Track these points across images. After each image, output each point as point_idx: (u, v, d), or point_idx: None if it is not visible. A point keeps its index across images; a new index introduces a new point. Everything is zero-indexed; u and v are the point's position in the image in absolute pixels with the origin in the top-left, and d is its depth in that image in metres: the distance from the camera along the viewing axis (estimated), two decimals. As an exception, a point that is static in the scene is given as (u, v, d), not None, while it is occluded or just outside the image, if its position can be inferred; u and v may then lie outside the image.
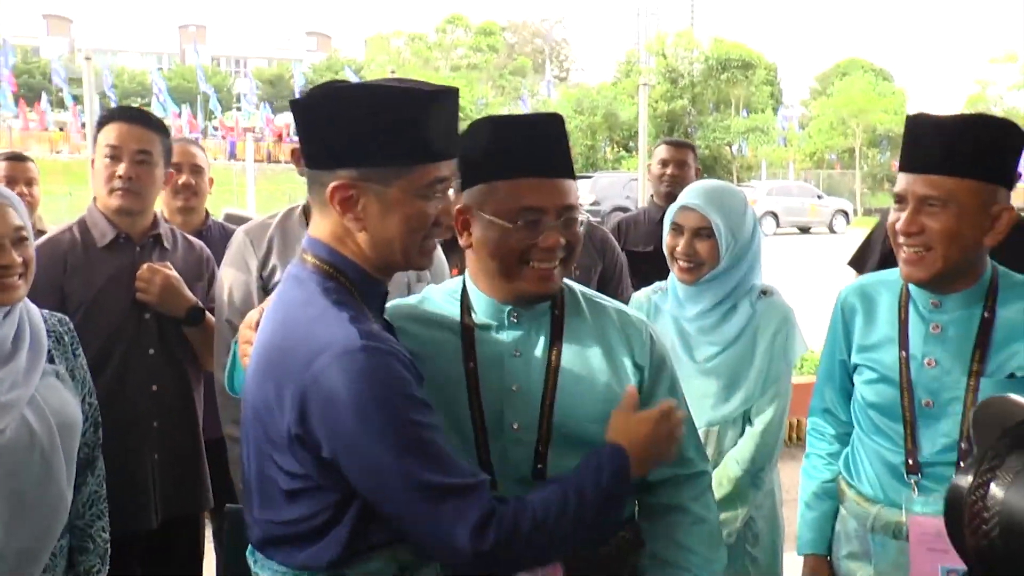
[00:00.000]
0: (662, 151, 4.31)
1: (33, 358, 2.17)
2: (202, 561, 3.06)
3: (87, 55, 7.35)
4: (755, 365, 2.60)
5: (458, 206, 1.84)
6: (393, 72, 10.40)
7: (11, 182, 3.85)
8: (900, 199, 2.08)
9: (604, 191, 24.33)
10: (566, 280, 1.95)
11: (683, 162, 4.26)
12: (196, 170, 3.60)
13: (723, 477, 2.59)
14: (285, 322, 1.57)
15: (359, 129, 1.57)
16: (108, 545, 2.33)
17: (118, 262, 2.77)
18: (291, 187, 30.51)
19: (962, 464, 2.06)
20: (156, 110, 46.30)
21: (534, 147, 1.81)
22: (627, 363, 1.91)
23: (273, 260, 2.71)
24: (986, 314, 2.10)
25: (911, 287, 2.18)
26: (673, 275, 2.70)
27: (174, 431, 2.81)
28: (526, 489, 1.70)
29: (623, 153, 36.49)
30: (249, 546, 1.69)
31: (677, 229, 2.64)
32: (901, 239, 2.08)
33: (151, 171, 2.79)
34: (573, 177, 1.87)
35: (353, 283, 1.64)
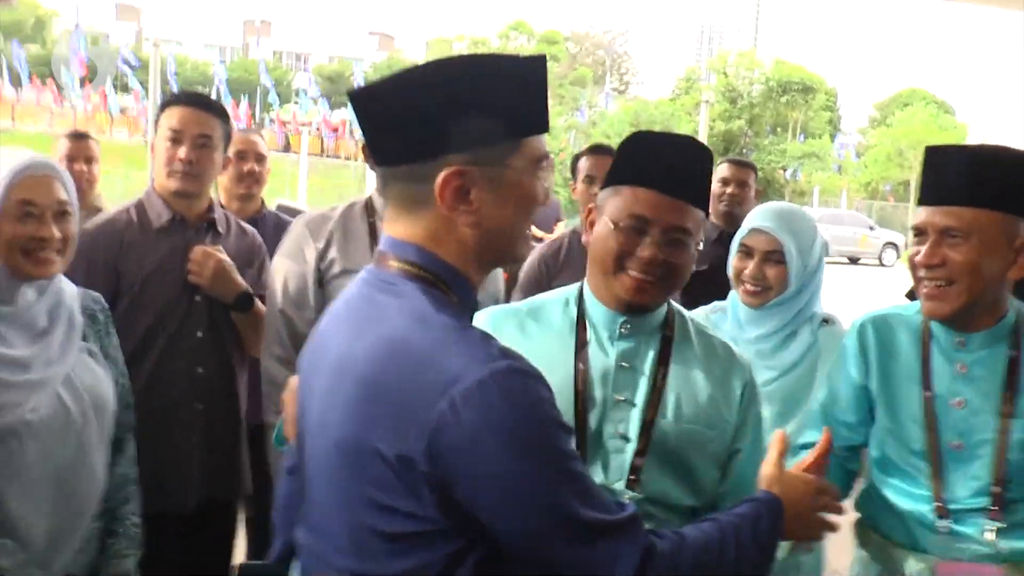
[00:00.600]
0: (723, 169, 4.23)
1: (67, 335, 2.16)
2: (233, 547, 3.07)
3: (155, 42, 7.48)
4: (813, 393, 2.53)
5: (589, 205, 1.95)
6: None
7: (72, 159, 3.95)
8: (920, 232, 2.04)
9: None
10: (677, 307, 1.99)
11: (744, 182, 4.17)
12: (260, 159, 3.68)
13: None
14: (390, 347, 1.35)
15: (464, 105, 1.39)
16: (139, 529, 2.27)
17: (172, 244, 2.79)
18: (343, 182, 30.73)
19: (994, 509, 2.03)
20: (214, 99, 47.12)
21: (667, 164, 1.85)
22: (732, 394, 1.93)
23: (332, 253, 2.73)
24: (1013, 353, 2.05)
25: (933, 325, 2.11)
26: (734, 296, 2.66)
27: (216, 415, 2.82)
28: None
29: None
30: None
31: (746, 251, 2.60)
32: (922, 272, 2.02)
33: (210, 155, 2.81)
34: (701, 207, 1.88)
35: (452, 290, 1.44)
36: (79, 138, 4.18)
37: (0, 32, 56.95)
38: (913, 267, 2.06)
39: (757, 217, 2.62)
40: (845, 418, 2.27)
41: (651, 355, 1.91)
